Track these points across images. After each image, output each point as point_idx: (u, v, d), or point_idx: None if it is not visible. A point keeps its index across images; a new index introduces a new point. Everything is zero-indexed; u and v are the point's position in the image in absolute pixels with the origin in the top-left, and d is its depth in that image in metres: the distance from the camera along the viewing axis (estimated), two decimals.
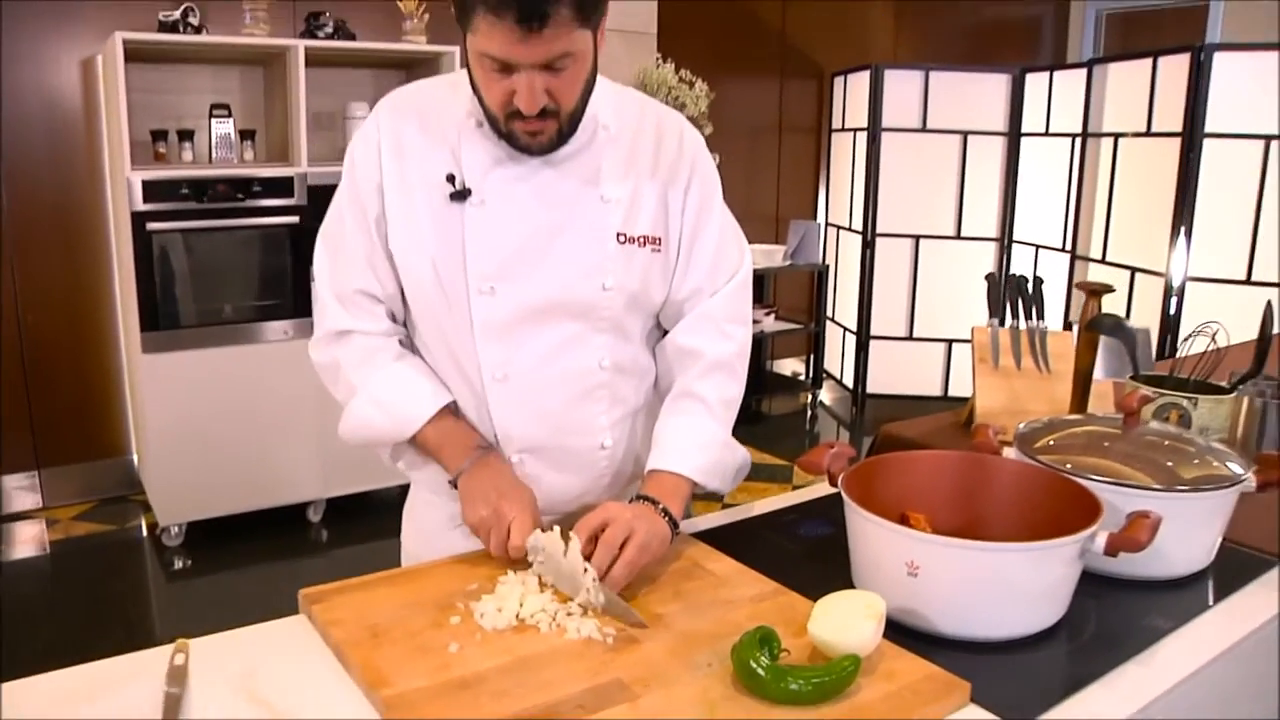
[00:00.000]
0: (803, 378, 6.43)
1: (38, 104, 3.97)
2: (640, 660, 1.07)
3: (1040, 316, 2.02)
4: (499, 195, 1.37)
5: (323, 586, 1.22)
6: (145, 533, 4.03)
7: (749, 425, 5.69)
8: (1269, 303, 1.72)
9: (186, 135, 3.94)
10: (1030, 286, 2.02)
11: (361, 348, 1.44)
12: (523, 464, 1.44)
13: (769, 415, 6.01)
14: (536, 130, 1.30)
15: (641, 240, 1.41)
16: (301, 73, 3.82)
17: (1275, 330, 1.84)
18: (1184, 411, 1.61)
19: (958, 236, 5.73)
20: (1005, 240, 5.71)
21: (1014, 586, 1.13)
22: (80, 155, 4.09)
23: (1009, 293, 2.03)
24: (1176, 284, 4.40)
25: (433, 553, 1.42)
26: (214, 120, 3.97)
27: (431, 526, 1.54)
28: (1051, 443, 1.51)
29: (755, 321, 5.71)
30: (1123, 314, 4.54)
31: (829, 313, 6.28)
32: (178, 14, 3.75)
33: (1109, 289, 1.82)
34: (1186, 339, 1.71)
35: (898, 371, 5.89)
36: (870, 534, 1.18)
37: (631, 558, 1.23)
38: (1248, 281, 4.33)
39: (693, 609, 1.19)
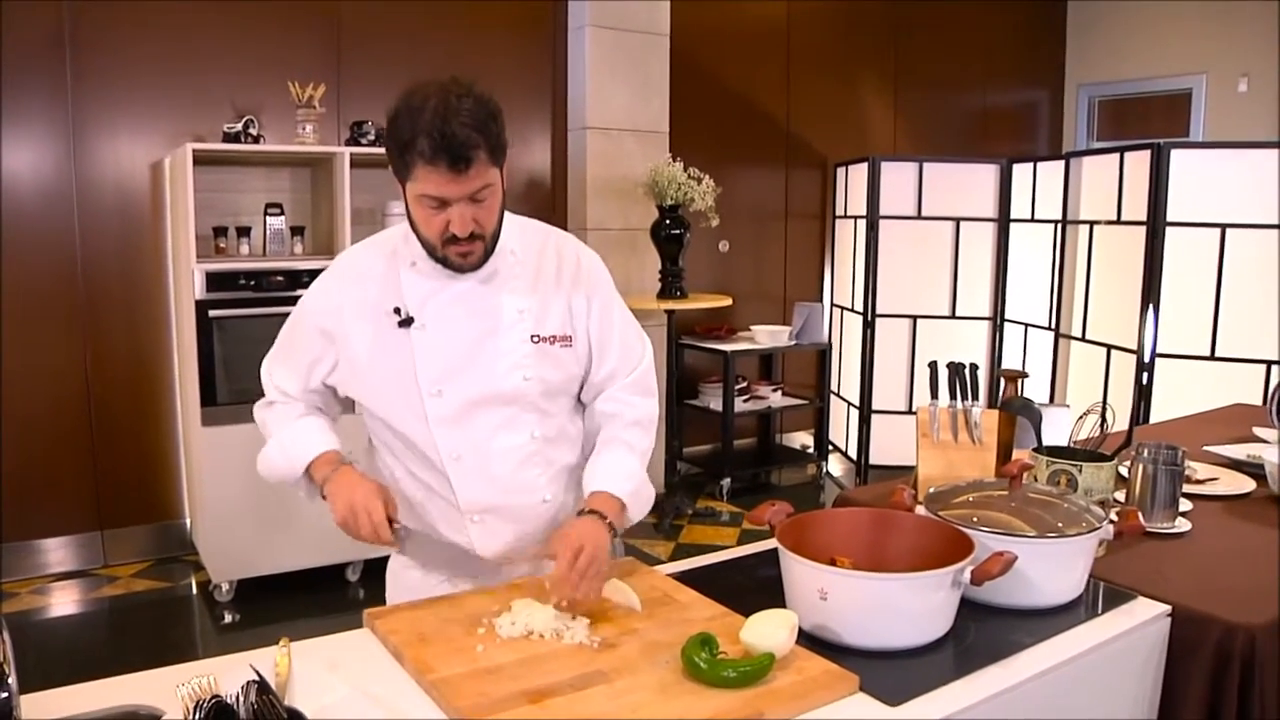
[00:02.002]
0: (810, 450, 6.76)
1: (112, 201, 4.45)
2: (617, 658, 1.44)
3: (975, 397, 2.39)
4: (436, 318, 1.78)
5: (382, 608, 1.63)
6: (196, 590, 4.40)
7: (759, 494, 6.02)
8: (1136, 387, 2.08)
9: (244, 231, 4.40)
10: (966, 372, 2.39)
11: (280, 411, 1.89)
12: (483, 521, 1.84)
13: (779, 486, 6.31)
14: (467, 251, 1.72)
15: (552, 339, 1.83)
16: (347, 175, 4.27)
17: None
18: (1071, 476, 1.97)
19: (953, 316, 6.10)
20: (998, 319, 6.08)
21: (899, 608, 1.49)
22: (148, 247, 4.55)
23: (949, 377, 2.40)
24: (1147, 360, 4.75)
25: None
26: (268, 217, 4.44)
27: (412, 584, 1.94)
28: (971, 499, 1.89)
29: (763, 397, 6.11)
30: (1101, 387, 4.90)
31: (834, 388, 6.65)
32: (240, 125, 4.23)
33: (1024, 374, 2.20)
34: (1081, 418, 2.08)
35: (898, 443, 6.18)
36: (793, 569, 1.56)
37: (584, 566, 1.59)
38: (1212, 357, 4.68)
39: (661, 626, 1.57)
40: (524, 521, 1.87)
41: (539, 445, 1.85)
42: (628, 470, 1.84)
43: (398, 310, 1.78)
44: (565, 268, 1.88)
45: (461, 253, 1.71)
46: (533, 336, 1.81)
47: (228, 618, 4.15)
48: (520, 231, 1.87)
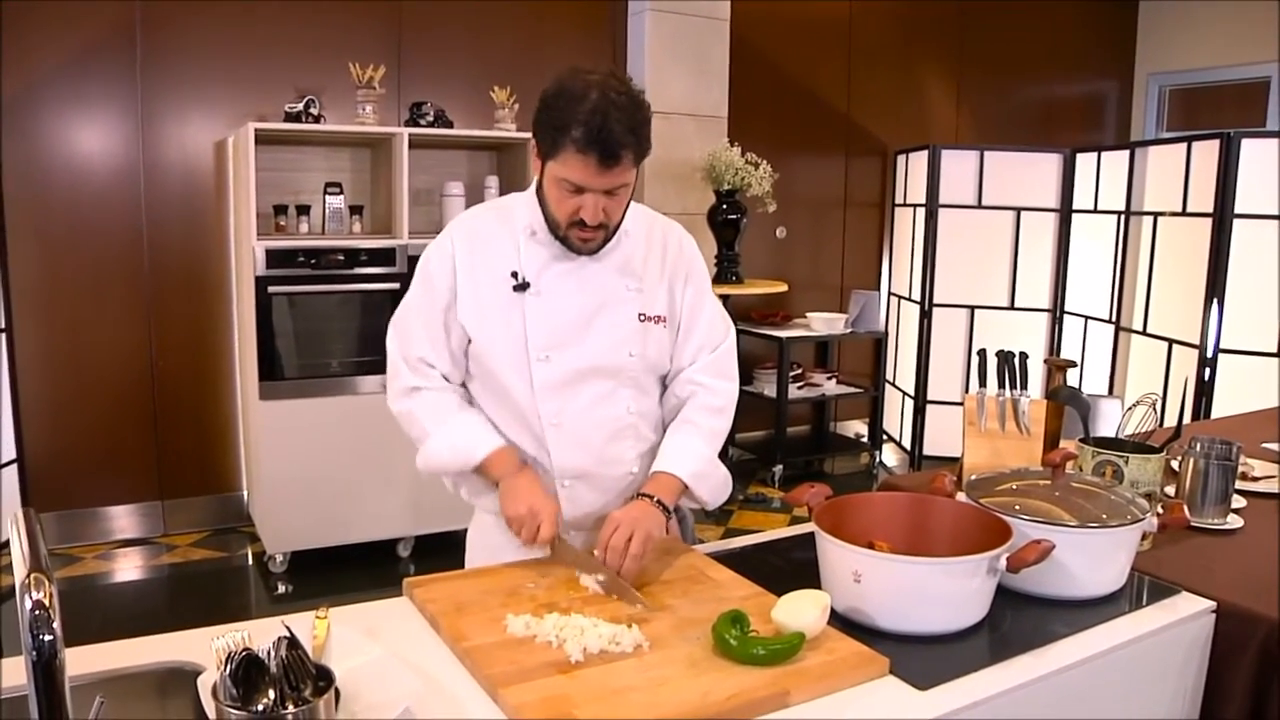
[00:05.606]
0: (864, 439, 6.71)
1: (178, 179, 4.55)
2: (648, 633, 1.45)
3: (1024, 386, 2.36)
4: (551, 286, 1.83)
5: (422, 577, 1.66)
6: (251, 560, 4.50)
7: (812, 482, 5.96)
8: (1186, 379, 2.04)
9: (303, 209, 4.47)
10: (1015, 361, 2.36)
11: (431, 401, 1.89)
12: (572, 488, 1.88)
13: (832, 474, 6.27)
14: (590, 238, 1.78)
15: (656, 319, 1.88)
16: (405, 155, 4.32)
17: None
18: (1117, 467, 1.94)
19: (1011, 307, 6.02)
20: (1057, 311, 5.98)
21: (933, 593, 1.49)
22: (211, 224, 4.64)
23: (998, 365, 2.37)
24: (1209, 355, 4.64)
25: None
26: (327, 196, 4.50)
27: (495, 543, 1.94)
28: (1014, 487, 1.88)
29: (818, 385, 6.07)
30: (1161, 382, 4.81)
31: (889, 377, 6.60)
32: (301, 105, 4.30)
33: (1071, 364, 2.17)
34: (1130, 409, 2.05)
35: (953, 434, 6.11)
36: (829, 550, 1.56)
37: (636, 551, 1.65)
38: (1278, 353, 4.57)
39: (695, 603, 1.58)
40: (609, 491, 1.92)
41: (634, 420, 1.91)
42: (694, 452, 1.89)
43: (514, 275, 1.83)
44: (670, 251, 1.94)
45: (584, 238, 1.77)
46: (639, 315, 1.86)
47: (281, 588, 4.24)
48: (632, 213, 1.90)
